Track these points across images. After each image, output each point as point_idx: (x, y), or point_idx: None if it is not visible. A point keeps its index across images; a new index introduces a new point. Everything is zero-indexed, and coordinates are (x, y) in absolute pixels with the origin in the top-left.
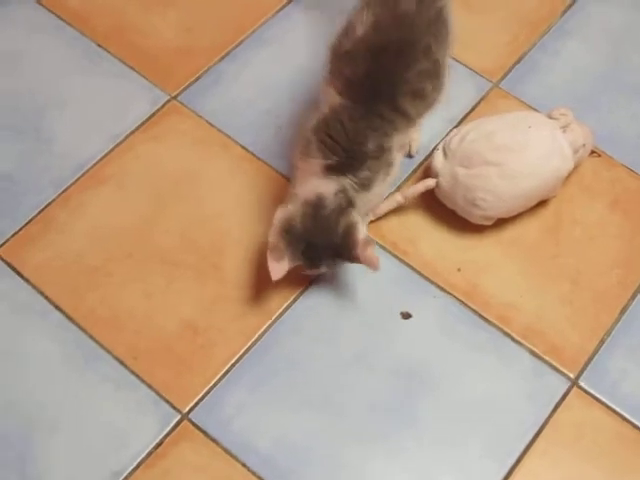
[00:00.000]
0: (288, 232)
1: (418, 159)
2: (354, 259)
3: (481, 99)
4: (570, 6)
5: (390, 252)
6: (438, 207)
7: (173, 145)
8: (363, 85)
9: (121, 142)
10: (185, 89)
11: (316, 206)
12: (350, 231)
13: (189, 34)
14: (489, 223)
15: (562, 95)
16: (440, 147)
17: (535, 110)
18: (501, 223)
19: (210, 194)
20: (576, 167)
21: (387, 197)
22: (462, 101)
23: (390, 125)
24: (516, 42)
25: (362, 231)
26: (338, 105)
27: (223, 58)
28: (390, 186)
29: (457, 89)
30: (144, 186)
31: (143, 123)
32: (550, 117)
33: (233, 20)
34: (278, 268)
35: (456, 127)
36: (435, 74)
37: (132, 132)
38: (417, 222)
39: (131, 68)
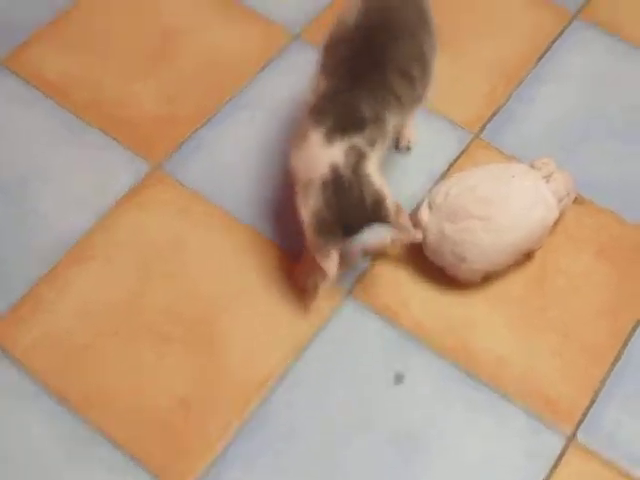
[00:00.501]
0: (321, 230)
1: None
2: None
3: (462, 151)
4: (545, 53)
5: (381, 315)
6: (426, 266)
7: (158, 215)
8: (354, 63)
9: (106, 214)
10: (168, 158)
11: (334, 182)
12: (379, 206)
13: (169, 102)
14: (476, 278)
15: (542, 143)
16: (425, 202)
17: (517, 160)
18: (488, 278)
19: (197, 263)
20: (560, 216)
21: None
22: (444, 154)
23: (383, 100)
24: (494, 92)
25: (390, 200)
26: (330, 86)
27: (204, 125)
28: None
29: (438, 142)
30: (131, 259)
31: (127, 194)
32: (532, 167)
33: (213, 86)
34: (331, 265)
35: (440, 181)
36: (421, 61)
37: (117, 204)
38: (407, 283)
39: (113, 138)
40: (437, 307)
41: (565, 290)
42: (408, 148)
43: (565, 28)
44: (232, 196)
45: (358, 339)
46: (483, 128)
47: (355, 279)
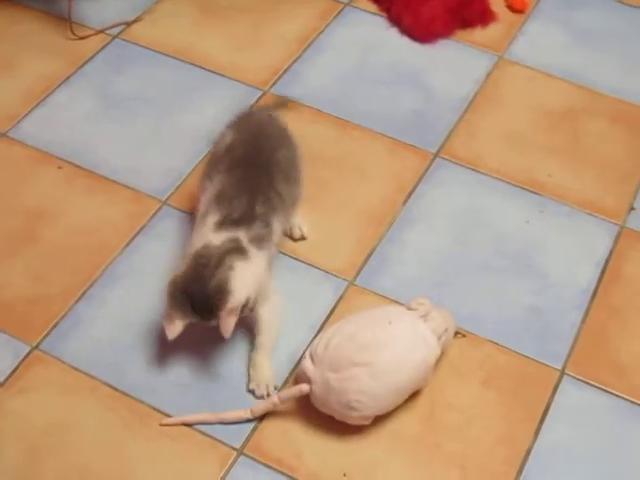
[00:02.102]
0: (173, 295)
1: (287, 368)
2: (217, 318)
3: (339, 299)
4: (410, 194)
5: (276, 469)
6: (316, 415)
7: (41, 396)
8: (245, 166)
9: None
10: (45, 337)
11: (198, 256)
12: (220, 294)
13: (41, 282)
14: (367, 422)
15: (417, 282)
16: (307, 354)
17: (394, 302)
18: (379, 419)
19: (83, 441)
20: (443, 352)
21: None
22: (321, 304)
23: (271, 201)
24: (365, 238)
25: (235, 300)
26: (229, 180)
27: (78, 300)
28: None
29: (314, 293)
30: (16, 443)
31: (8, 378)
32: (409, 308)
33: (82, 261)
34: (172, 329)
35: (320, 331)
36: (295, 164)
37: None
38: (298, 434)
39: None
40: (331, 455)
41: (457, 423)
42: (303, 237)
43: (427, 168)
44: (114, 369)
45: None
46: (357, 274)
47: (246, 436)
